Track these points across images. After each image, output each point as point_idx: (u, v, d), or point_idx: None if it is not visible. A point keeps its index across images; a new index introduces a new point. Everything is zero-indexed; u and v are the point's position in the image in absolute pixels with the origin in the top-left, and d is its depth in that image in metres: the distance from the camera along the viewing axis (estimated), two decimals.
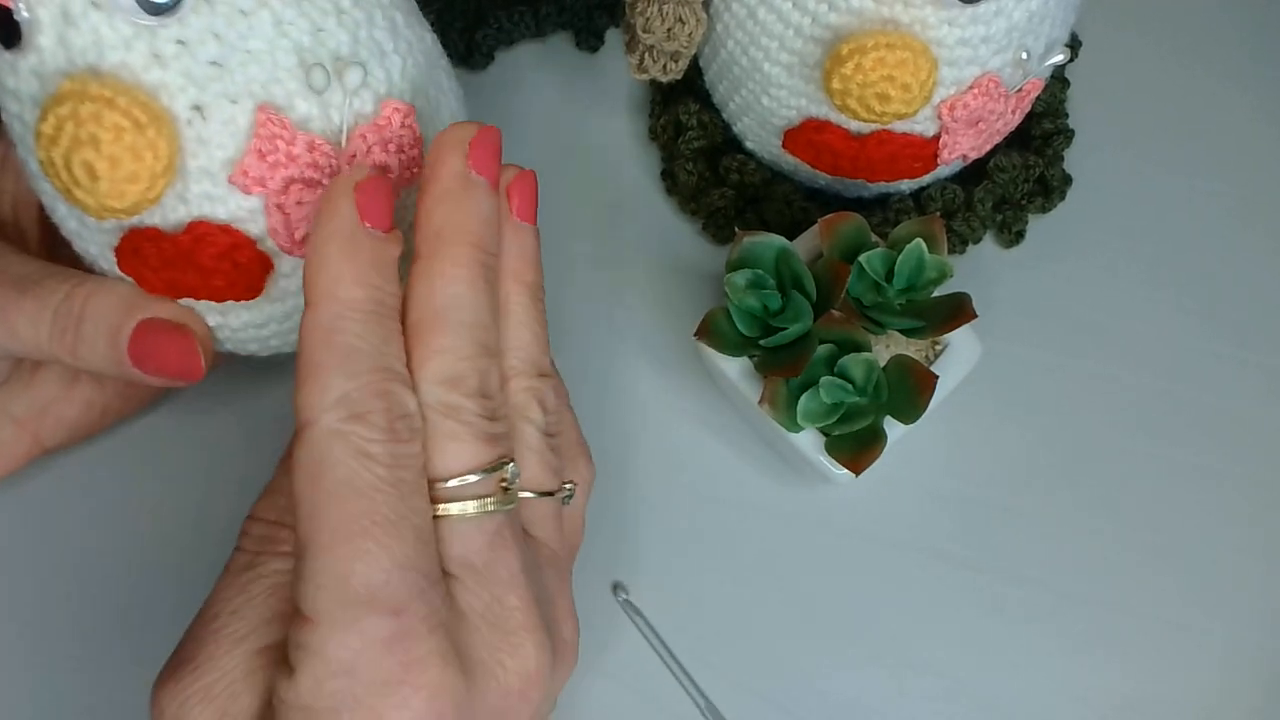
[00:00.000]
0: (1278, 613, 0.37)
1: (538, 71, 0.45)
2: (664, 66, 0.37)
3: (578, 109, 0.44)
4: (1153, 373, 0.40)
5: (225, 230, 0.28)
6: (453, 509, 0.26)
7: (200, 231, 0.28)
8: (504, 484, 0.27)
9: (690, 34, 0.36)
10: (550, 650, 0.27)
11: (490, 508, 0.26)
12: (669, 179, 0.42)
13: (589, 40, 0.45)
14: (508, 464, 0.27)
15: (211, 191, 0.27)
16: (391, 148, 0.29)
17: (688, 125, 0.41)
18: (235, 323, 0.31)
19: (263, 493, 0.30)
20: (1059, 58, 0.35)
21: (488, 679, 0.26)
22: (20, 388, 0.34)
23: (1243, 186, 0.43)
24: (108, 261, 0.29)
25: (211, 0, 0.26)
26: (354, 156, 0.28)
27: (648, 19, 0.35)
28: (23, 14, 0.25)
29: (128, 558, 0.37)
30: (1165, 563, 0.38)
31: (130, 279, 0.29)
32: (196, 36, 0.26)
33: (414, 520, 0.25)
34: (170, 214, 0.28)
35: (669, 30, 0.35)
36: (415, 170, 0.30)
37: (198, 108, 0.27)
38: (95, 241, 0.29)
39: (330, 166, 0.28)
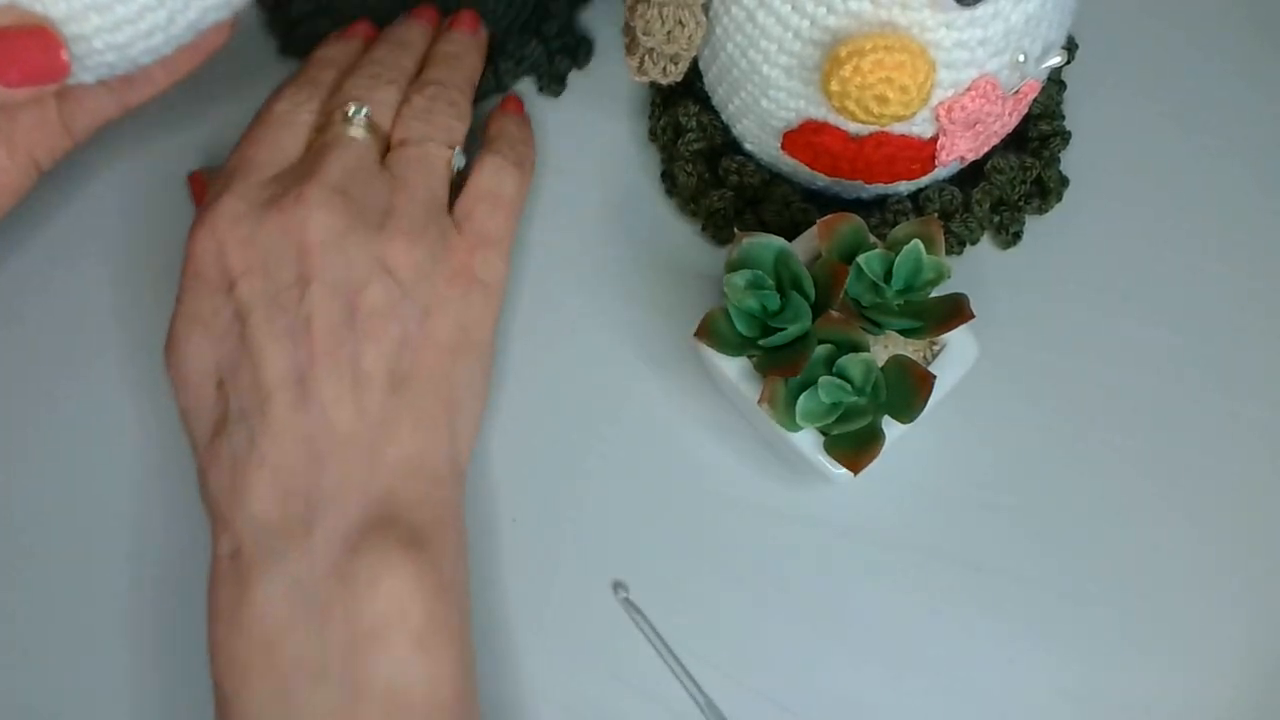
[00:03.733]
0: (1277, 613, 0.37)
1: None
2: (664, 69, 0.37)
3: (577, 111, 0.44)
4: (1150, 373, 0.40)
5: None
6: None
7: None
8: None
9: (690, 37, 0.36)
10: (338, 211, 0.35)
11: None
12: (668, 180, 0.42)
13: (552, 86, 0.44)
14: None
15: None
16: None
17: (687, 127, 0.41)
18: None
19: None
20: (1056, 60, 0.36)
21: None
22: None
23: (1239, 187, 0.43)
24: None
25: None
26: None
27: (647, 22, 0.35)
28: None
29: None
30: (1165, 562, 0.38)
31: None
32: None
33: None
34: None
35: (669, 33, 0.35)
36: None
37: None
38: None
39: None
